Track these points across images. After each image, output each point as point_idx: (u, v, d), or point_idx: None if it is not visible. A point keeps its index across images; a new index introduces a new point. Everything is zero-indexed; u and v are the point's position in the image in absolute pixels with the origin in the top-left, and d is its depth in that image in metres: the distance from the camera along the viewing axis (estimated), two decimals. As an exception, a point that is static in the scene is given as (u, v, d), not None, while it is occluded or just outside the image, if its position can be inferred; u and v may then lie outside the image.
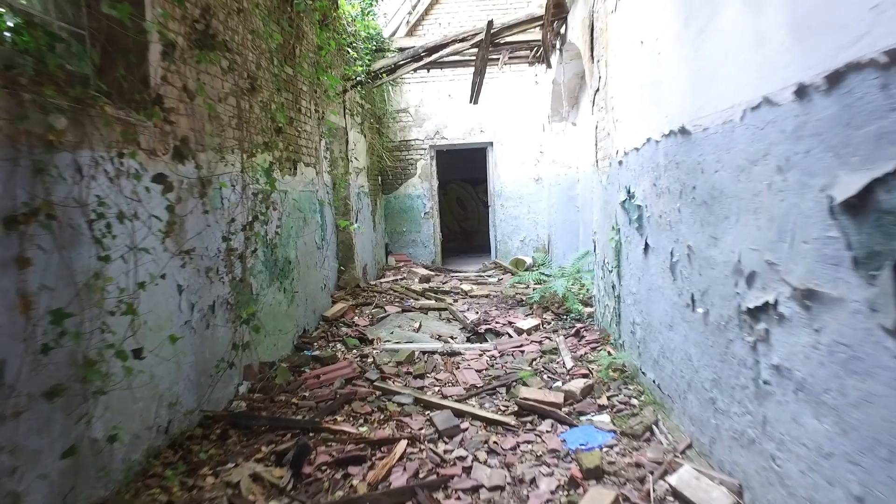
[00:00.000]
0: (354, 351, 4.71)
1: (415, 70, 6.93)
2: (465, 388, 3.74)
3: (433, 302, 6.26)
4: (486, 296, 6.77)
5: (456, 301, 6.58)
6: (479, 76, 6.81)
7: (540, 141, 9.36)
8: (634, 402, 3.34)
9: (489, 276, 8.63)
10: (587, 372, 3.85)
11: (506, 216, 9.55)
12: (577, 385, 3.51)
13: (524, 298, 6.46)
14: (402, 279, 8.27)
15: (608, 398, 3.40)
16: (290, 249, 4.90)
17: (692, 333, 2.60)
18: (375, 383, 3.74)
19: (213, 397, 3.33)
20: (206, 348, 3.29)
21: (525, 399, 3.34)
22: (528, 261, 9.11)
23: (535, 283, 6.89)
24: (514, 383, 3.73)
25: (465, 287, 7.14)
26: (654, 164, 3.09)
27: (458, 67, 8.78)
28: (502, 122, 9.42)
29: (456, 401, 3.50)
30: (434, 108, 9.50)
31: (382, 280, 8.14)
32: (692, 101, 2.51)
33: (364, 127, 8.29)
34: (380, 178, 9.45)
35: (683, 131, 2.62)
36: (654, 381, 3.27)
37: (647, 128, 3.22)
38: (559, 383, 3.73)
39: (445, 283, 8.18)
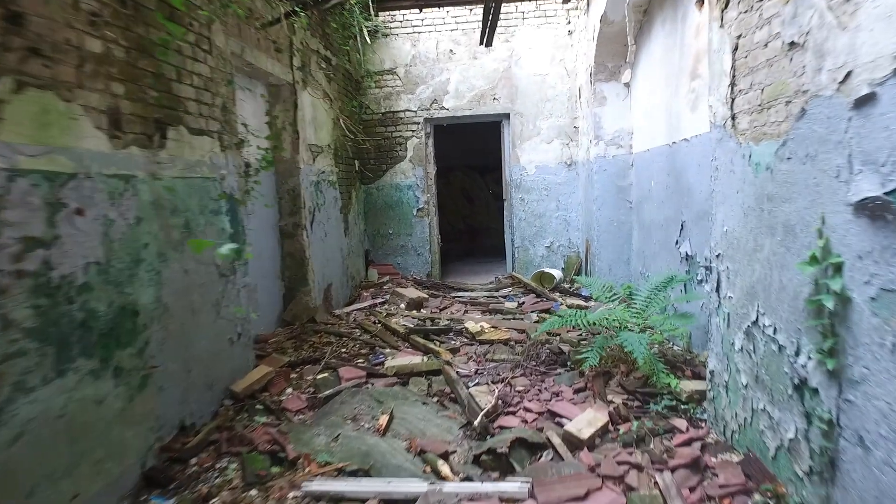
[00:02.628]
0: (253, 493, 2.45)
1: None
2: None
3: (419, 360, 3.98)
4: (505, 342, 4.48)
5: (457, 351, 4.30)
6: (494, 1, 4.49)
7: (574, 111, 7.03)
8: None
9: (505, 299, 6.34)
10: None
11: (527, 214, 7.24)
12: None
13: (566, 352, 4.16)
14: (381, 304, 5.99)
15: None
16: (142, 288, 2.63)
17: None
18: None
19: None
20: None
21: None
22: (557, 275, 6.81)
23: (580, 329, 4.57)
24: None
25: (472, 324, 4.85)
26: None
27: (461, 4, 6.47)
28: (523, 87, 7.08)
29: None
30: (430, 68, 7.18)
31: (354, 307, 5.86)
32: None
33: (329, 89, 6.00)
34: (356, 162, 7.16)
35: None
36: None
37: None
38: None
39: (443, 309, 5.90)
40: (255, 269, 4.46)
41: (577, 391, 3.40)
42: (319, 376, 3.71)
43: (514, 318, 5.35)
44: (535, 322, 5.16)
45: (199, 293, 3.15)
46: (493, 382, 3.60)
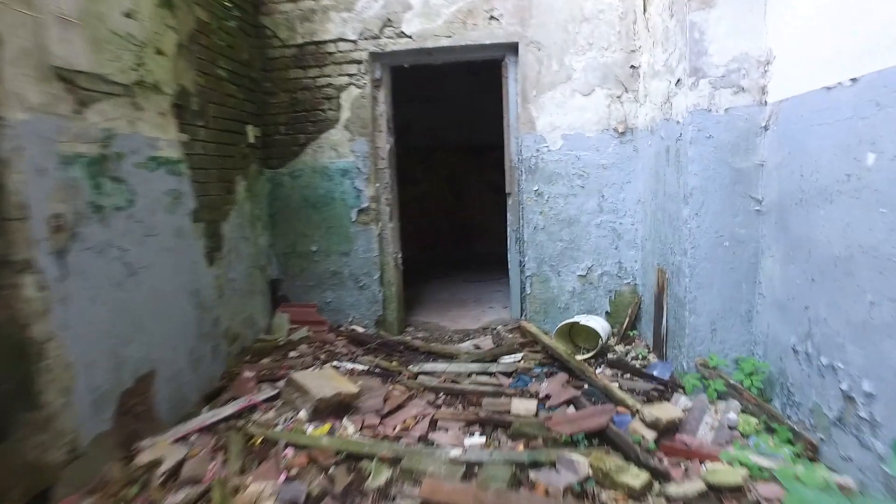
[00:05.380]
0: None
1: None
2: None
3: None
4: None
5: None
6: None
7: (632, 38, 4.08)
8: None
9: (511, 379, 3.46)
10: None
11: (548, 219, 4.30)
12: None
13: None
14: (269, 402, 3.07)
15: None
16: None
17: None
18: None
19: None
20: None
21: None
22: (601, 330, 3.91)
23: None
24: None
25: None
26: None
27: None
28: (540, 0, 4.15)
29: None
30: (380, -33, 4.22)
31: (204, 420, 2.94)
32: None
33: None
34: (251, 128, 4.19)
35: None
36: None
37: None
38: None
39: (389, 414, 3.01)
40: None
41: None
42: None
43: (535, 463, 2.44)
44: (581, 484, 2.26)
45: None
46: None
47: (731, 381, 3.00)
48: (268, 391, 3.26)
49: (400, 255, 4.69)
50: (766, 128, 3.01)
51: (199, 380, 3.30)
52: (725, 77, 3.05)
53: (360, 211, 4.39)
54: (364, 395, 3.20)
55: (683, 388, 3.22)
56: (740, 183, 3.11)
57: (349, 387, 3.10)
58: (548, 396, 3.22)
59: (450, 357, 3.96)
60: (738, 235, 3.15)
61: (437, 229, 8.82)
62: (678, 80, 3.26)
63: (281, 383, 3.33)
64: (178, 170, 3.18)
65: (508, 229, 4.47)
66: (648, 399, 3.22)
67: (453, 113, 8.34)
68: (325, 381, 3.09)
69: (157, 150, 2.98)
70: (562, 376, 3.47)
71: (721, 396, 3.02)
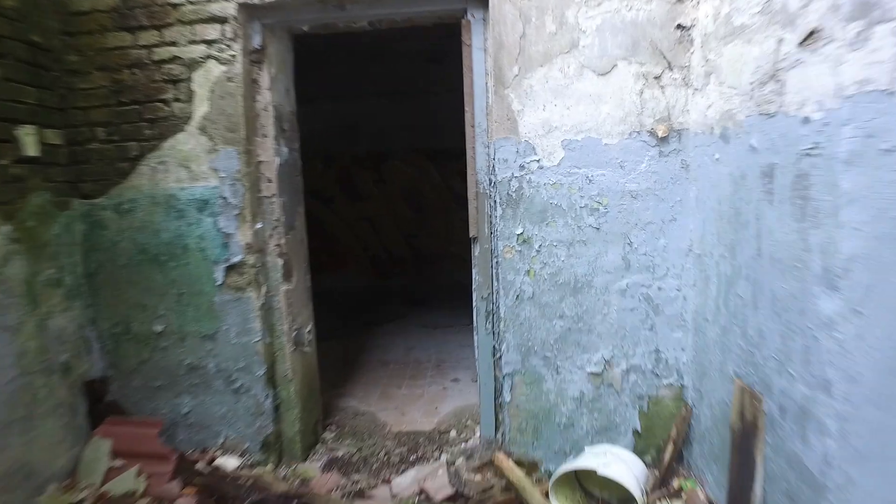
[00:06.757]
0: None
1: None
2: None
3: None
4: None
5: None
6: None
7: (675, -19, 2.40)
8: None
9: None
10: None
11: (541, 281, 2.58)
12: None
13: None
14: None
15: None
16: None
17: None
18: None
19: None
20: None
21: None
22: (636, 481, 2.23)
23: None
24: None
25: None
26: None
27: None
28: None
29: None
30: None
31: None
32: None
33: None
34: (34, 134, 2.42)
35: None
36: None
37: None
38: None
39: None
40: None
41: None
42: None
43: None
44: None
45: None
46: None
47: None
48: None
49: (309, 330, 2.96)
50: None
51: None
52: (930, 22, 1.39)
53: (231, 268, 2.64)
54: None
55: None
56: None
57: None
58: None
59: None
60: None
61: (392, 255, 7.10)
62: (809, 34, 1.59)
63: None
64: None
65: (475, 296, 2.73)
66: None
67: (412, 111, 6.62)
68: None
69: None
70: None
71: None
